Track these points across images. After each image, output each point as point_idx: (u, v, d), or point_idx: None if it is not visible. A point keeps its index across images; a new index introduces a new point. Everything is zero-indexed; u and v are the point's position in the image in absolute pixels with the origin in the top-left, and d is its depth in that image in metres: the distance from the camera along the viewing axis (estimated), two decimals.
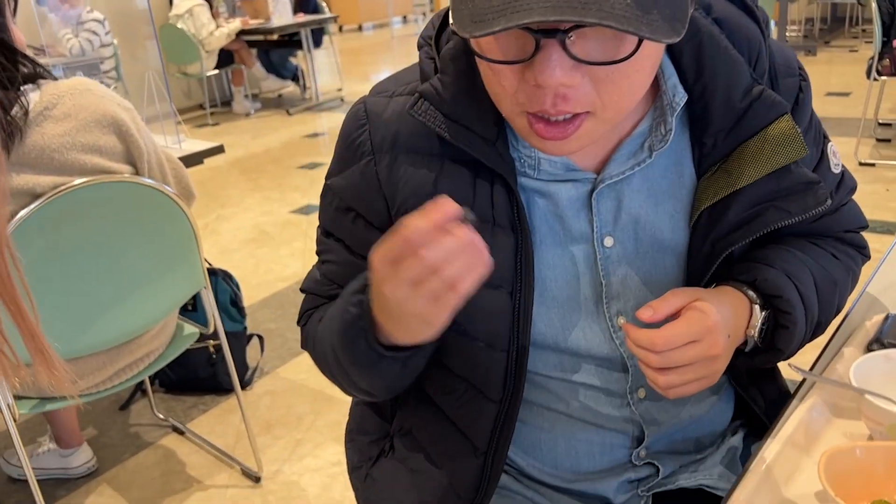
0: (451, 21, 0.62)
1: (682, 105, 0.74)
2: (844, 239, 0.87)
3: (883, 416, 0.67)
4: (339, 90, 6.90)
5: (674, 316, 0.70)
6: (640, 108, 0.76)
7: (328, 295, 0.86)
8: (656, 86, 0.75)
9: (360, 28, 11.98)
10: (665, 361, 0.67)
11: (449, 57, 0.74)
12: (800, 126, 0.77)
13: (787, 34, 6.89)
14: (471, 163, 0.74)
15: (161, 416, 2.23)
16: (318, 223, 0.88)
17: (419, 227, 0.59)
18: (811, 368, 0.84)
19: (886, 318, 0.86)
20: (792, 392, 0.82)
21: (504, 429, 0.80)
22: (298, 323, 0.92)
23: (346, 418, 0.95)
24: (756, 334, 0.76)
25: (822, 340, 0.88)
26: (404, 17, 12.62)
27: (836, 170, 0.84)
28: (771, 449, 0.70)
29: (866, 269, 1.01)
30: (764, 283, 0.75)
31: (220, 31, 5.94)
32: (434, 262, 0.59)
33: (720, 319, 0.69)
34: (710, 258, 0.76)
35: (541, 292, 0.77)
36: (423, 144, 0.76)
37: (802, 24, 7.38)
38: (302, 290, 0.91)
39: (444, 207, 0.59)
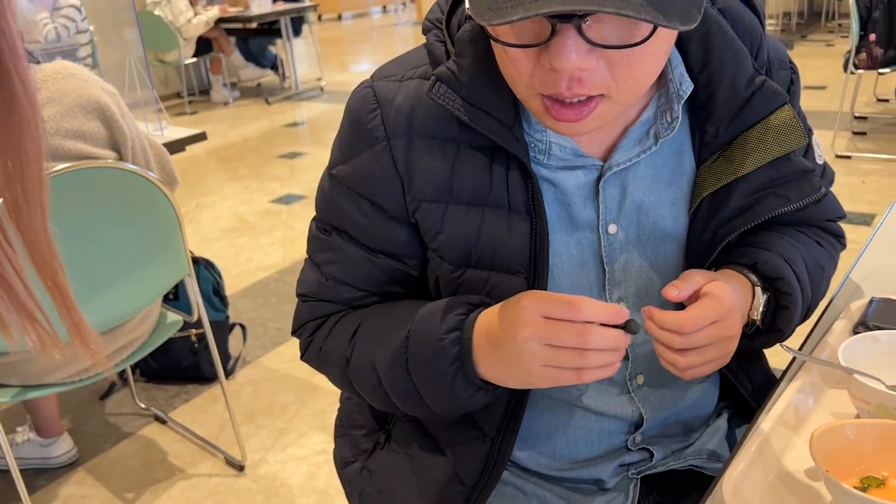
0: (467, 6, 0.62)
1: (688, 93, 0.75)
2: (826, 228, 0.90)
3: (870, 395, 0.68)
4: (319, 80, 6.85)
5: (690, 298, 0.71)
6: (645, 96, 0.76)
7: (337, 299, 0.83)
8: (662, 73, 0.75)
9: (339, 17, 11.90)
10: (689, 342, 0.68)
11: (467, 39, 0.73)
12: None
13: (766, 28, 6.96)
14: (487, 148, 0.75)
15: (142, 406, 2.21)
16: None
17: (596, 308, 0.64)
18: (800, 348, 0.85)
19: (871, 302, 0.88)
20: (777, 377, 0.84)
21: (515, 412, 0.81)
22: (296, 333, 0.88)
23: (330, 408, 0.96)
24: (758, 316, 0.78)
25: (806, 327, 0.90)
26: (384, 7, 12.55)
27: (820, 161, 0.85)
28: (762, 428, 0.71)
29: (848, 257, 1.03)
30: (764, 266, 0.77)
31: (199, 19, 5.87)
32: (587, 344, 0.63)
33: (736, 300, 0.71)
34: (710, 245, 0.78)
35: (549, 279, 0.77)
36: (439, 129, 0.75)
37: (780, 17, 7.46)
38: (300, 296, 0.87)
39: (623, 312, 0.65)
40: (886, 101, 4.64)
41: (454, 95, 0.72)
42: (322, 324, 0.85)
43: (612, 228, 0.78)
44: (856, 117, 4.25)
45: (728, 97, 0.75)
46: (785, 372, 0.82)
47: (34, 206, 0.41)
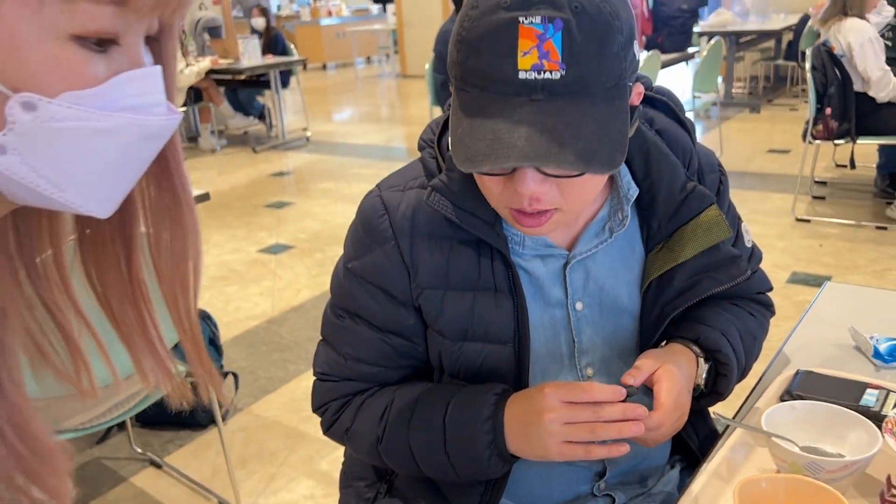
0: (451, 151, 0.80)
1: (634, 197, 0.94)
2: (757, 300, 1.08)
3: (785, 455, 0.84)
4: (305, 129, 7.05)
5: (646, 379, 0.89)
6: (601, 198, 0.95)
7: (357, 375, 0.97)
8: (612, 180, 0.94)
9: (324, 67, 12.18)
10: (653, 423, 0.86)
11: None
12: (722, 211, 0.97)
13: (733, 91, 7.31)
14: (475, 242, 0.92)
15: (139, 451, 2.31)
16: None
17: (604, 390, 0.83)
18: (736, 413, 1.02)
19: (796, 374, 1.05)
20: (720, 431, 1.00)
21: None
22: (318, 411, 1.01)
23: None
24: (702, 382, 0.95)
25: (744, 391, 1.06)
26: (368, 58, 12.88)
27: (749, 244, 1.04)
28: (698, 481, 0.87)
29: (782, 332, 1.20)
30: (706, 341, 0.96)
31: (190, 70, 6.06)
32: (601, 417, 0.82)
33: (683, 378, 0.90)
34: (659, 319, 0.96)
35: (530, 349, 0.94)
36: (436, 229, 0.92)
37: (748, 81, 7.83)
38: (319, 375, 1.00)
39: (622, 390, 0.83)
40: (845, 166, 4.92)
41: (446, 202, 0.90)
42: (345, 404, 0.99)
43: (579, 306, 0.96)
44: (816, 182, 4.51)
45: (666, 199, 0.94)
46: (723, 431, 0.98)
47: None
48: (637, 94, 0.83)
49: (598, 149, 0.74)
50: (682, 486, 1.04)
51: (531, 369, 0.94)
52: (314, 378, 1.02)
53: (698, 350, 0.96)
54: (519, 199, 0.80)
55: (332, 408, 1.00)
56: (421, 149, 0.97)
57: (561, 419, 0.83)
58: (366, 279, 0.95)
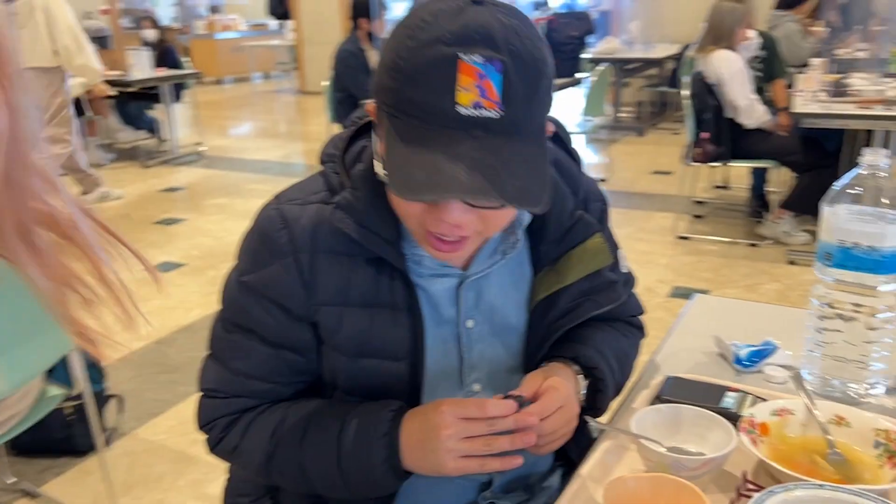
0: (383, 175, 0.82)
1: (527, 223, 0.99)
2: (630, 322, 1.15)
3: (652, 455, 0.90)
4: (199, 144, 6.86)
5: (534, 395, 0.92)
6: None
7: (248, 392, 0.96)
8: None
9: (219, 81, 11.91)
10: (542, 428, 0.89)
11: (360, 176, 0.92)
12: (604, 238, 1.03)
13: (621, 115, 7.65)
14: (375, 260, 0.93)
15: (11, 481, 2.18)
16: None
17: (497, 405, 0.85)
18: (611, 418, 1.07)
19: (666, 379, 1.12)
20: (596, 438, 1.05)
21: None
22: (204, 429, 0.99)
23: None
24: (581, 398, 1.00)
25: (620, 397, 1.12)
26: (266, 74, 12.69)
27: (625, 270, 1.10)
28: (574, 484, 0.91)
29: (655, 341, 1.28)
30: (584, 359, 1.00)
31: (77, 81, 5.78)
32: (496, 430, 0.84)
33: (570, 388, 0.94)
34: (545, 338, 1.01)
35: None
36: (337, 246, 0.92)
37: (635, 106, 8.21)
38: (206, 392, 0.98)
39: (513, 404, 0.86)
40: (722, 187, 5.24)
41: (349, 220, 0.91)
42: (234, 421, 0.97)
43: (470, 323, 0.99)
44: (695, 202, 4.78)
45: (555, 226, 0.99)
46: (597, 437, 1.03)
47: None
48: (549, 130, 0.87)
49: (531, 187, 0.78)
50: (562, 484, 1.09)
51: (423, 385, 0.96)
52: (200, 395, 1.01)
53: (577, 368, 1.00)
54: (440, 227, 0.83)
55: (219, 425, 0.98)
56: (323, 162, 0.98)
57: (458, 435, 0.85)
58: (261, 293, 0.94)
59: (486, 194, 0.75)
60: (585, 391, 1.00)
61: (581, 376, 1.00)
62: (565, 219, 1.00)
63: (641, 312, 1.16)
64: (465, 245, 0.87)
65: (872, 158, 1.03)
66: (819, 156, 4.00)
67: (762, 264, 3.87)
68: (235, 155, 6.88)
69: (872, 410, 1.01)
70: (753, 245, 4.14)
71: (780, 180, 4.53)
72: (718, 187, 5.23)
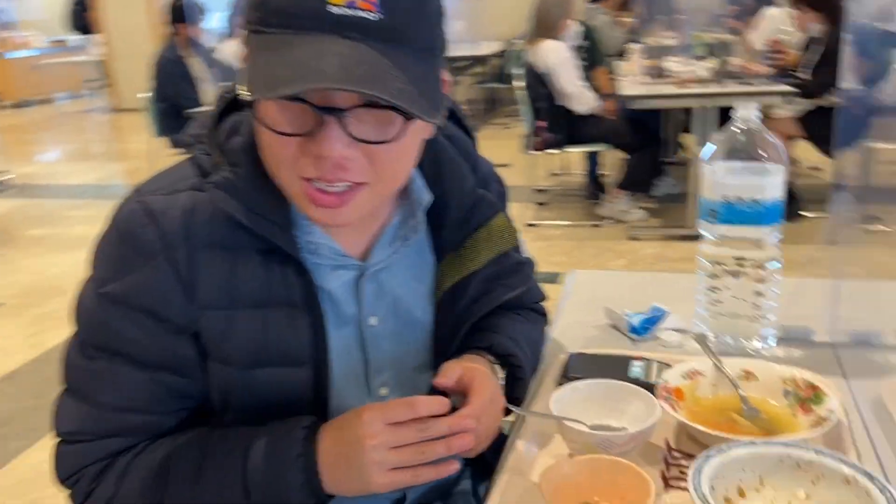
0: (243, 88, 0.68)
1: (428, 203, 0.89)
2: (535, 309, 1.08)
3: (577, 436, 0.85)
4: (4, 172, 6.17)
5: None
6: (391, 205, 0.89)
7: (124, 430, 0.80)
8: (405, 187, 0.88)
9: (20, 104, 10.83)
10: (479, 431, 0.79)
11: (239, 149, 0.79)
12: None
13: None
14: (265, 251, 0.80)
15: None
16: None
17: (429, 403, 0.74)
18: (524, 403, 1.01)
19: (569, 357, 1.07)
20: (509, 428, 0.98)
21: None
22: (68, 482, 0.81)
23: None
24: (501, 388, 0.91)
25: None
26: (74, 93, 11.70)
27: (526, 255, 1.04)
28: (501, 480, 0.84)
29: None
30: (499, 347, 0.93)
31: None
32: (429, 434, 0.73)
33: (494, 379, 0.87)
34: (455, 330, 0.92)
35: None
36: (217, 237, 0.78)
37: (466, 104, 8.35)
38: (66, 436, 0.81)
39: (446, 401, 0.75)
40: (561, 174, 5.43)
41: (232, 200, 0.77)
42: (106, 467, 0.80)
43: (373, 320, 0.88)
44: (537, 190, 4.91)
45: (456, 207, 0.91)
46: (511, 429, 0.96)
47: None
48: (445, 81, 0.78)
49: (418, 96, 0.69)
50: (476, 495, 1.01)
51: (330, 393, 0.85)
52: (57, 441, 0.82)
53: (492, 357, 0.93)
54: (320, 166, 0.71)
55: (87, 475, 0.80)
56: (189, 146, 0.84)
57: (385, 444, 0.73)
58: (128, 304, 0.78)
59: (363, 83, 0.65)
60: (503, 381, 0.93)
61: (497, 366, 0.92)
62: (466, 198, 0.92)
63: (544, 298, 1.11)
64: (352, 199, 0.75)
65: (745, 113, 1.04)
66: (645, 136, 4.23)
67: (607, 243, 4.03)
68: (47, 181, 6.26)
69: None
70: (596, 226, 4.30)
71: (612, 163, 4.74)
72: (556, 174, 5.40)
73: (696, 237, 1.12)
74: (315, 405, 0.84)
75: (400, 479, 0.74)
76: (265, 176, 0.78)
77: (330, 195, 0.74)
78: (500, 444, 1.03)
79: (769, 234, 1.04)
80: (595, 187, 4.78)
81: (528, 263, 1.03)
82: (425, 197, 0.89)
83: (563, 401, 0.90)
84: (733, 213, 1.04)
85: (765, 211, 1.03)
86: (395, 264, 0.90)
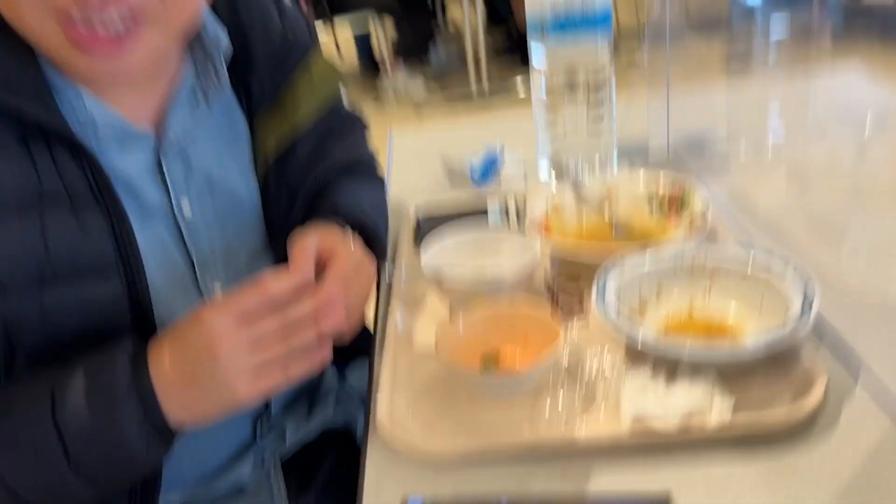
0: None
1: (225, 46, 0.71)
2: (370, 172, 0.92)
3: (462, 286, 0.75)
4: None
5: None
6: (180, 56, 0.70)
7: None
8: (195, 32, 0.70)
9: None
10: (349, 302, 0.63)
11: None
12: None
13: None
14: (19, 136, 0.59)
15: None
16: None
17: (284, 281, 0.57)
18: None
19: (418, 218, 0.96)
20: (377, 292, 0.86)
21: None
22: None
23: None
24: None
25: None
26: None
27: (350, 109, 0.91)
28: (385, 358, 0.72)
29: None
30: (344, 208, 0.78)
31: None
32: (290, 319, 0.57)
33: (354, 242, 0.71)
34: (290, 203, 0.76)
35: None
36: None
37: None
38: None
39: (306, 266, 0.59)
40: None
41: None
42: None
43: (186, 206, 0.70)
44: None
45: (263, 49, 0.75)
46: (377, 304, 0.84)
47: None
48: None
49: None
50: (345, 382, 0.89)
51: (153, 305, 0.65)
52: None
53: (342, 221, 0.76)
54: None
55: None
56: None
57: (241, 345, 0.55)
58: None
59: None
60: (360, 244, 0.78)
61: (348, 228, 0.76)
62: (275, 38, 0.76)
63: (374, 158, 0.96)
64: (131, 40, 0.58)
65: None
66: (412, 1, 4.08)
67: (395, 120, 3.93)
68: None
69: None
70: (377, 99, 4.18)
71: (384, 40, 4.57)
72: None
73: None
74: (136, 324, 0.64)
75: (269, 381, 0.57)
76: (1, 30, 0.57)
77: (102, 40, 0.56)
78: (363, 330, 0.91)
79: (601, 42, 0.97)
80: (372, 66, 4.60)
81: (358, 118, 0.89)
82: (222, 38, 0.71)
83: (433, 256, 0.80)
84: (565, 24, 0.95)
85: (595, 18, 0.95)
86: (201, 134, 0.72)
